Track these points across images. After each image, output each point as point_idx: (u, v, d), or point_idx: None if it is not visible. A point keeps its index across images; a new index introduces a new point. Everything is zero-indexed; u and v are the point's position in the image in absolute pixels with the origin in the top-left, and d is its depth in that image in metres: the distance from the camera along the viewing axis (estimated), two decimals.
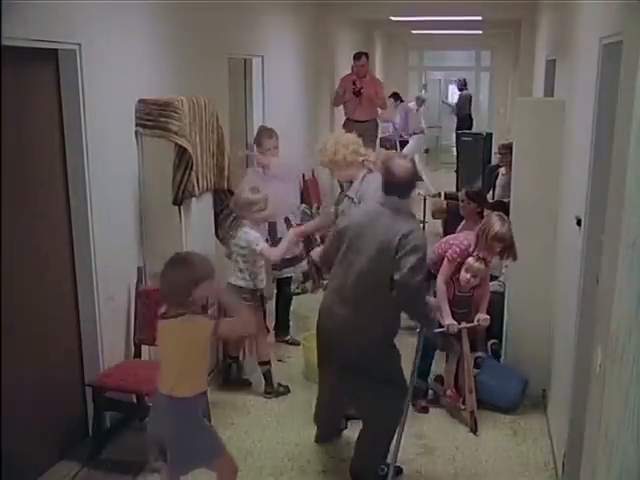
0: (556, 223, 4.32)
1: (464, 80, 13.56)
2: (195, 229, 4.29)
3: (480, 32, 12.49)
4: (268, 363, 4.54)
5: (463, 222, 6.00)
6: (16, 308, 3.24)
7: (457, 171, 10.11)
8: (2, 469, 3.11)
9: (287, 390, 4.57)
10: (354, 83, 8.49)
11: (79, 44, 3.40)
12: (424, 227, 7.69)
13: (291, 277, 5.45)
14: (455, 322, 4.16)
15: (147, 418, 3.13)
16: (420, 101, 11.88)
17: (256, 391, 4.63)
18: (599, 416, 2.07)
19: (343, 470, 3.76)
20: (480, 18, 9.56)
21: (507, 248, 4.15)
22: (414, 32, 12.81)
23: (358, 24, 10.78)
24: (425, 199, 8.29)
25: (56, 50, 3.37)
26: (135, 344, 4.02)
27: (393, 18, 9.85)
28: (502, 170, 6.87)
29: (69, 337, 3.71)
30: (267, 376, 4.54)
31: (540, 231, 4.41)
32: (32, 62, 3.28)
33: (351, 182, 4.13)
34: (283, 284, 5.35)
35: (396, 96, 11.62)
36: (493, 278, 5.24)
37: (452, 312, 4.19)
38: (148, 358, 4.06)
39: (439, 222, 8.60)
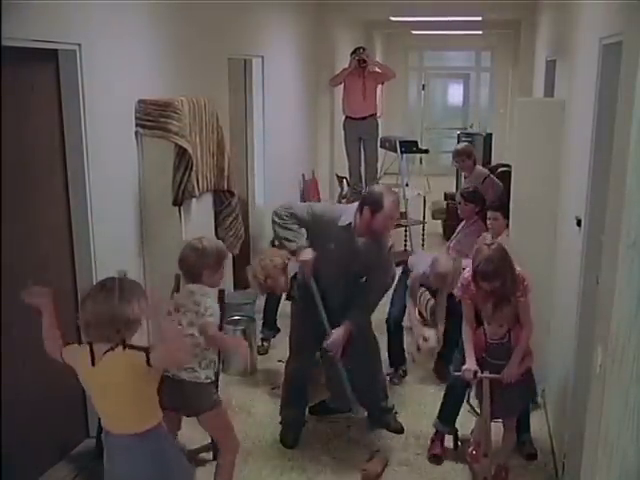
0: (556, 223, 4.32)
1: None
2: (195, 229, 4.28)
3: (480, 32, 12.48)
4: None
5: (463, 223, 6.01)
6: (16, 308, 3.24)
7: (457, 171, 10.10)
8: (2, 469, 3.11)
9: None
10: (355, 52, 8.24)
11: (79, 44, 3.40)
12: (424, 227, 7.69)
13: None
14: (473, 367, 3.51)
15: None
16: None
17: (256, 391, 4.63)
18: (599, 416, 2.07)
19: (343, 470, 3.77)
20: (480, 18, 9.55)
21: (497, 290, 3.42)
22: (414, 32, 12.80)
23: (358, 24, 10.78)
24: (425, 199, 8.29)
25: (56, 50, 3.37)
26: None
27: (393, 18, 9.85)
28: (463, 174, 6.81)
29: (69, 337, 3.69)
30: None
31: (540, 231, 4.40)
32: (32, 62, 3.28)
33: None
34: None
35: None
36: None
37: (484, 361, 3.55)
38: None
39: (439, 222, 8.62)
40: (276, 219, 3.74)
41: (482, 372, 3.51)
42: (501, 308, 3.46)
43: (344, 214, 3.75)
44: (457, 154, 6.69)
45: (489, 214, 5.20)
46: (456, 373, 3.63)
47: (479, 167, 6.77)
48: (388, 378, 4.59)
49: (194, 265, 3.24)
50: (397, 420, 4.21)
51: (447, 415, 3.90)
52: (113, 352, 2.47)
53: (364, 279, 3.86)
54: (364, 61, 8.21)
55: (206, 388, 3.27)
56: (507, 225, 4.95)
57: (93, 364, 2.50)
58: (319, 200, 7.73)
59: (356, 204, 3.81)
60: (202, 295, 3.18)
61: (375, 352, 4.14)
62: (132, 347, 2.49)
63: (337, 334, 3.77)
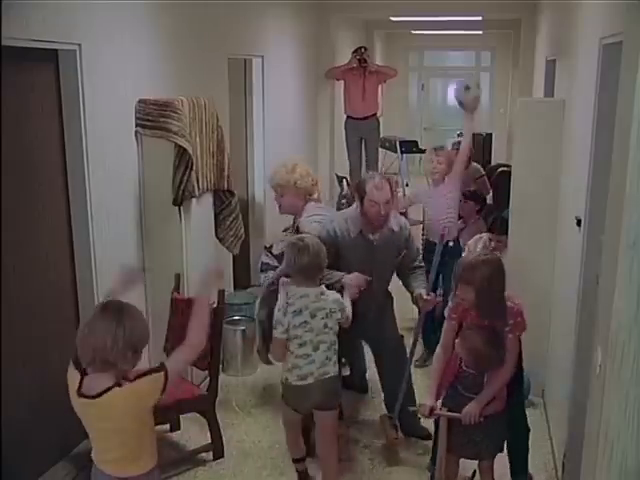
0: (556, 223, 4.32)
1: None
2: (195, 229, 4.29)
3: (480, 32, 12.48)
4: None
5: (462, 221, 6.01)
6: (16, 308, 3.24)
7: None
8: (2, 469, 3.11)
9: None
10: (357, 51, 8.25)
11: (79, 44, 3.40)
12: (423, 227, 7.66)
13: None
14: (429, 403, 3.11)
15: None
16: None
17: (256, 391, 4.63)
18: (599, 416, 2.07)
19: (343, 470, 3.76)
20: (480, 18, 9.55)
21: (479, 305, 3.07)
22: (414, 32, 12.80)
23: (358, 24, 10.78)
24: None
25: (56, 50, 3.37)
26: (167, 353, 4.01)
27: (393, 18, 9.85)
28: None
29: (69, 337, 3.69)
30: None
31: (540, 231, 4.41)
32: (32, 62, 3.28)
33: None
34: None
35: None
36: None
37: (455, 392, 3.11)
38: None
39: None
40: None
41: (444, 407, 3.09)
42: (485, 336, 3.01)
43: (350, 224, 3.71)
44: (457, 146, 6.73)
45: (461, 199, 5.20)
46: (413, 408, 3.35)
47: (475, 164, 6.79)
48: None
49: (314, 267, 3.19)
50: (423, 426, 3.99)
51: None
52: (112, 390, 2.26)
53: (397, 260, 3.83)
54: (364, 60, 8.21)
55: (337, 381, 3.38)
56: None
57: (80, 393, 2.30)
58: (318, 199, 7.71)
59: (353, 207, 3.82)
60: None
61: (404, 354, 4.02)
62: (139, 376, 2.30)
63: (427, 297, 3.76)
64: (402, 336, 4.08)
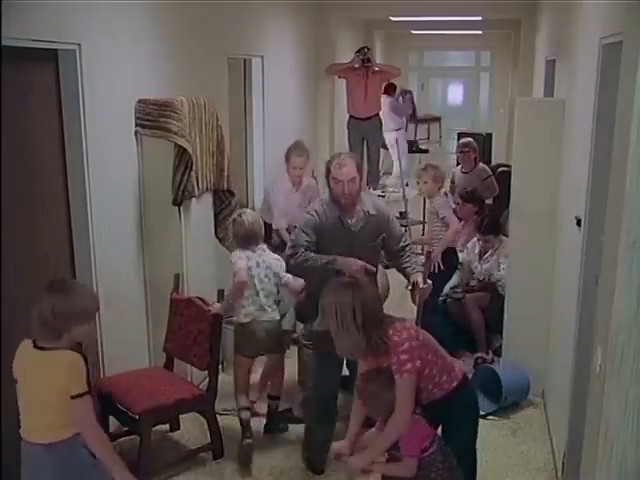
0: (556, 223, 4.32)
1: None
2: (195, 229, 4.29)
3: (480, 32, 12.48)
4: (278, 399, 4.15)
5: (462, 223, 6.01)
6: (16, 308, 3.24)
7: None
8: (2, 469, 3.11)
9: (286, 427, 4.19)
10: (360, 51, 8.26)
11: (79, 44, 3.40)
12: (423, 227, 7.67)
13: None
14: (337, 447, 2.99)
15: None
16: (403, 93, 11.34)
17: (257, 391, 4.63)
18: (599, 416, 2.07)
19: (343, 469, 3.76)
20: (480, 18, 9.56)
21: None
22: (414, 32, 12.81)
23: (358, 24, 10.78)
24: (425, 199, 8.27)
25: (56, 50, 3.37)
26: (167, 353, 4.03)
27: (393, 18, 9.85)
28: (461, 168, 6.78)
29: None
30: (272, 412, 4.16)
31: (540, 231, 4.41)
32: (32, 62, 3.28)
33: None
34: None
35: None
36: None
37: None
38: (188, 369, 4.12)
39: None
40: (292, 260, 3.65)
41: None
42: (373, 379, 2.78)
43: (327, 208, 3.64)
44: (464, 145, 6.74)
45: (482, 236, 5.24)
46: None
47: (482, 164, 6.79)
48: None
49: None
50: None
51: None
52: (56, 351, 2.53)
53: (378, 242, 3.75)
54: (368, 60, 8.21)
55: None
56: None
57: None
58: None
59: (322, 196, 3.82)
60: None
61: None
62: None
63: (423, 285, 3.69)
64: None
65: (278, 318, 3.96)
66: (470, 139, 7.16)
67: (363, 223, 3.66)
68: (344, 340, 2.73)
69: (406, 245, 3.87)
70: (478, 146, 7.01)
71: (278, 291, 3.97)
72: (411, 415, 2.71)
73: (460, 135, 10.44)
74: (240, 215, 3.94)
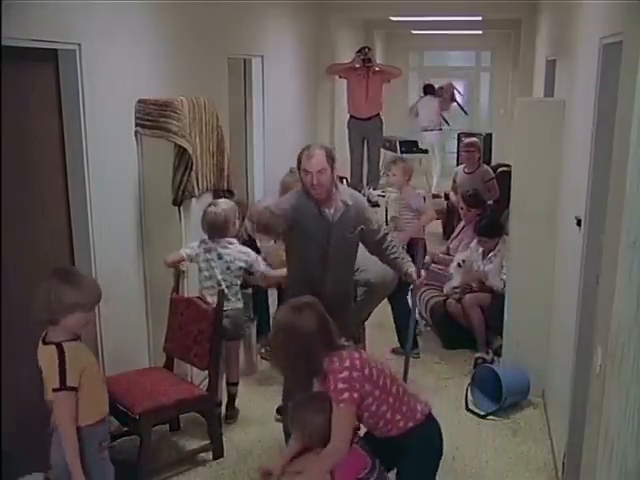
0: (556, 223, 4.32)
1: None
2: (195, 229, 4.28)
3: (480, 32, 12.48)
4: (236, 384, 4.30)
5: (462, 223, 6.02)
6: (16, 308, 3.24)
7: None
8: (2, 469, 3.11)
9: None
10: (360, 51, 8.23)
11: (79, 44, 3.40)
12: (424, 227, 7.67)
13: None
14: (271, 464, 2.91)
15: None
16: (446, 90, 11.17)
17: (256, 391, 4.63)
18: (599, 416, 2.07)
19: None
20: (480, 18, 9.56)
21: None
22: (414, 32, 12.80)
23: (358, 24, 10.78)
24: (425, 199, 8.27)
25: (56, 50, 3.37)
26: (166, 353, 4.03)
27: (393, 18, 9.85)
28: (464, 168, 6.76)
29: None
30: (232, 398, 4.29)
31: (540, 231, 4.41)
32: (32, 62, 3.28)
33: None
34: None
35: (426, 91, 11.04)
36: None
37: None
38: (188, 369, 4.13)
39: (439, 222, 8.61)
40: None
41: None
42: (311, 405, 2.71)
43: (308, 199, 3.56)
44: (469, 144, 6.71)
45: (478, 238, 5.26)
46: None
47: (486, 166, 6.76)
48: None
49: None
50: None
51: None
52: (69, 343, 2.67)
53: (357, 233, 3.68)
54: (369, 60, 8.20)
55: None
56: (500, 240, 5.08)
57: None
58: None
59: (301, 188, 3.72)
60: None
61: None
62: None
63: (414, 274, 3.67)
64: (364, 329, 4.07)
65: (240, 306, 4.14)
66: (475, 139, 7.17)
67: (342, 213, 3.59)
68: (278, 361, 2.81)
69: (387, 233, 3.79)
70: None
71: (244, 283, 4.25)
72: (347, 446, 2.62)
73: (460, 135, 10.44)
74: (210, 205, 4.07)
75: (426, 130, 10.77)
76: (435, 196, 8.72)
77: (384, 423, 2.69)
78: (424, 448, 2.79)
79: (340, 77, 8.59)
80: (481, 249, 5.34)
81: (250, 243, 5.10)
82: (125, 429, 3.75)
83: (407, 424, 2.70)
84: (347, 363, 2.59)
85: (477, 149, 6.66)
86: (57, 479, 2.80)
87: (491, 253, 5.25)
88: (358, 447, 2.69)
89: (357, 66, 8.28)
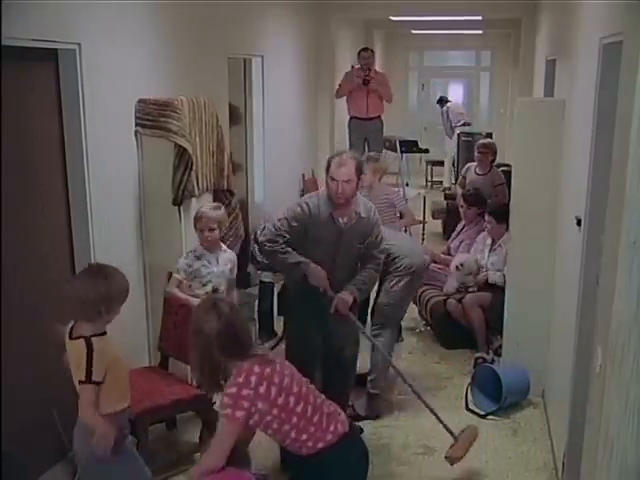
0: (556, 223, 4.32)
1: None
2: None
3: (480, 32, 12.47)
4: None
5: (463, 223, 6.01)
6: (16, 308, 3.24)
7: (457, 171, 10.13)
8: (2, 469, 3.11)
9: None
10: (364, 72, 8.20)
11: (79, 44, 3.40)
12: (424, 227, 7.69)
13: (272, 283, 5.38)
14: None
15: None
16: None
17: None
18: (599, 416, 2.07)
19: None
20: (480, 18, 9.55)
21: None
22: (414, 32, 12.80)
23: (358, 24, 10.78)
24: (425, 199, 8.29)
25: (56, 50, 3.37)
26: (161, 352, 4.02)
27: (393, 18, 9.85)
28: (476, 168, 6.73)
29: None
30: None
31: (540, 231, 4.41)
32: (32, 62, 3.28)
33: None
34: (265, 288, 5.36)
35: (442, 101, 11.87)
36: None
37: None
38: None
39: (439, 222, 8.62)
40: (269, 246, 3.69)
41: None
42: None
43: (322, 204, 3.64)
44: (483, 146, 6.59)
45: (486, 217, 5.27)
46: None
47: (498, 170, 6.66)
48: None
49: None
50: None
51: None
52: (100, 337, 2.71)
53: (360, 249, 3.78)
54: (368, 82, 8.19)
55: None
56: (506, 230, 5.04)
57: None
58: None
59: (321, 190, 3.82)
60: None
61: (353, 351, 4.06)
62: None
63: (344, 295, 3.71)
64: (358, 338, 4.04)
65: None
66: (490, 140, 7.10)
67: (353, 223, 3.68)
68: (190, 360, 2.75)
69: (379, 258, 3.88)
70: None
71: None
72: (220, 457, 2.48)
73: (460, 135, 10.45)
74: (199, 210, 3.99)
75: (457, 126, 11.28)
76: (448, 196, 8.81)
77: (290, 442, 2.57)
78: (339, 469, 2.62)
79: (344, 95, 8.54)
80: (489, 240, 5.31)
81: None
82: None
83: (316, 444, 2.57)
84: (240, 378, 2.46)
85: (491, 151, 6.55)
86: (79, 463, 2.89)
87: (497, 243, 5.23)
88: (239, 471, 2.58)
89: (359, 83, 8.27)
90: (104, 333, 2.75)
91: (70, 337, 2.74)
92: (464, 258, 5.38)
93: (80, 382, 2.66)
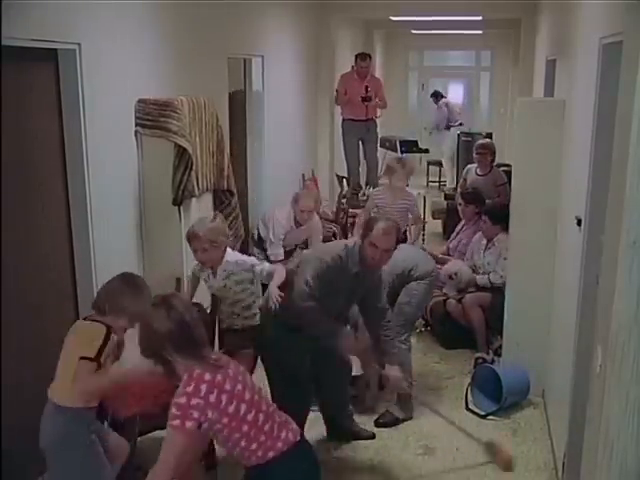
0: (556, 223, 4.32)
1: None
2: None
3: (480, 32, 12.47)
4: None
5: (462, 223, 6.02)
6: (16, 308, 3.24)
7: (457, 170, 10.13)
8: (2, 469, 3.11)
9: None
10: (365, 89, 8.26)
11: (79, 44, 3.39)
12: (424, 227, 7.69)
13: None
14: None
15: None
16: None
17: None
18: (599, 416, 2.07)
19: (343, 469, 3.77)
20: (480, 18, 9.55)
21: None
22: (414, 32, 12.80)
23: (358, 24, 10.78)
24: (425, 199, 8.29)
25: (56, 50, 3.37)
26: None
27: (393, 18, 9.85)
28: (476, 169, 6.73)
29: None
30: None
31: (540, 231, 4.41)
32: (32, 62, 3.28)
33: None
34: None
35: (437, 95, 12.13)
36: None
37: None
38: None
39: (439, 222, 8.63)
40: (310, 306, 3.46)
41: None
42: None
43: (350, 258, 3.55)
44: (482, 146, 6.59)
45: (482, 216, 5.30)
46: None
47: (499, 170, 6.65)
48: None
49: None
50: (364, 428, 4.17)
51: None
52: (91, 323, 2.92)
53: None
54: (369, 99, 8.19)
55: None
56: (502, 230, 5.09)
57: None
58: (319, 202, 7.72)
59: (352, 239, 3.84)
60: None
61: (346, 368, 4.08)
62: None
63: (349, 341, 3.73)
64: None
65: (253, 323, 3.81)
66: (489, 140, 7.09)
67: (371, 276, 3.68)
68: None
69: (387, 309, 3.85)
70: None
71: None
72: (167, 471, 2.37)
73: (460, 135, 10.44)
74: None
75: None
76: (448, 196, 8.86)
77: (240, 451, 2.47)
78: (289, 478, 2.57)
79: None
80: (484, 240, 5.32)
81: (259, 244, 5.11)
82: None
83: (267, 453, 2.48)
84: (190, 388, 2.34)
85: (489, 151, 6.54)
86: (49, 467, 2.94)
87: (491, 243, 5.25)
88: None
89: (355, 78, 8.27)
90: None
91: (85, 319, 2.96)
92: (458, 267, 5.35)
93: (83, 358, 2.79)
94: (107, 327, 2.86)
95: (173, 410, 2.33)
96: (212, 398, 2.35)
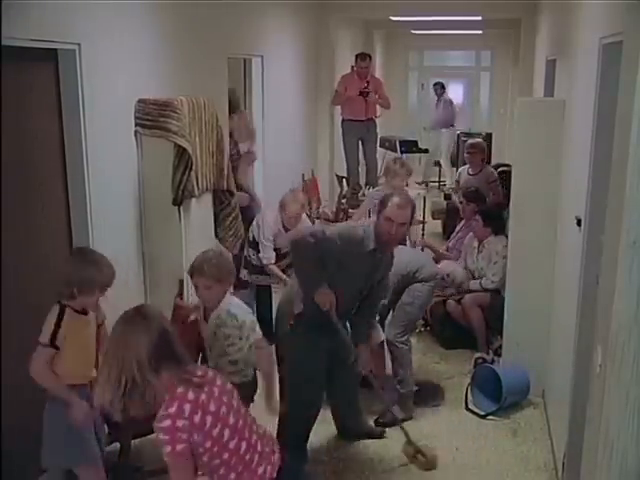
0: (556, 223, 4.32)
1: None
2: (195, 229, 4.29)
3: (480, 32, 12.47)
4: None
5: (462, 222, 6.02)
6: (16, 308, 3.24)
7: (457, 171, 10.13)
8: (2, 469, 3.11)
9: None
10: (364, 84, 8.25)
11: (79, 44, 3.39)
12: (423, 227, 7.69)
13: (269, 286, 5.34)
14: None
15: None
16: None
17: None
18: (599, 416, 2.07)
19: (343, 469, 3.77)
20: (480, 18, 9.55)
21: None
22: (414, 32, 12.79)
23: (358, 24, 10.78)
24: (425, 199, 8.28)
25: (55, 50, 3.37)
26: None
27: (393, 18, 9.85)
28: (468, 169, 6.75)
29: None
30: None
31: (540, 231, 4.41)
32: (31, 62, 3.28)
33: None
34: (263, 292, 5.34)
35: (440, 86, 12.02)
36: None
37: None
38: None
39: (439, 222, 8.62)
40: (308, 251, 3.45)
41: None
42: None
43: (367, 237, 3.51)
44: (472, 146, 6.67)
45: (476, 216, 5.31)
46: None
47: (490, 168, 6.72)
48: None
49: None
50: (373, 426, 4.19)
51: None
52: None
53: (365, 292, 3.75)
54: (367, 94, 8.19)
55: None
56: (495, 232, 5.18)
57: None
58: (318, 200, 7.73)
59: (370, 220, 3.80)
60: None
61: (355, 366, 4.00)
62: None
63: (364, 354, 3.77)
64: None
65: (237, 380, 3.19)
66: (479, 140, 7.14)
67: (385, 262, 3.67)
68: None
69: (379, 304, 3.90)
70: None
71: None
72: None
73: (460, 135, 10.45)
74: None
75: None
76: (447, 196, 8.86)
77: (218, 478, 2.33)
78: None
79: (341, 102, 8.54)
80: (475, 243, 5.34)
81: (254, 245, 5.10)
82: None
83: None
84: (172, 409, 2.18)
85: (480, 150, 6.63)
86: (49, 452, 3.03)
87: (481, 245, 5.26)
88: None
89: (356, 78, 8.26)
90: (86, 313, 3.02)
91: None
92: (451, 268, 5.36)
93: (39, 343, 2.91)
94: (61, 306, 2.94)
95: (160, 436, 2.17)
96: (197, 419, 2.20)
